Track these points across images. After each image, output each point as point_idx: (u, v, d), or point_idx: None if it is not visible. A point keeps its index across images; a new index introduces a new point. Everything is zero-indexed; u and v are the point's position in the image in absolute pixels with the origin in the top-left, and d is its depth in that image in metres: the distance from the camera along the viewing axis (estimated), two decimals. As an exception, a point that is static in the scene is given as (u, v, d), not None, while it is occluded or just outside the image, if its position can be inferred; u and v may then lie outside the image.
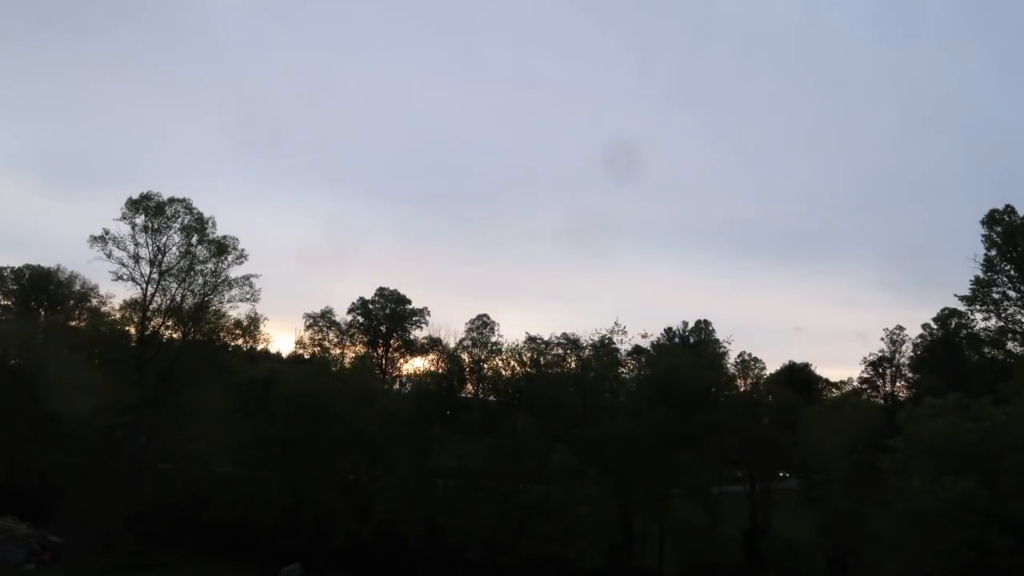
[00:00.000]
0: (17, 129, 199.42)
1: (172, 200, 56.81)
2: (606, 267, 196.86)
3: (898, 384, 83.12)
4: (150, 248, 56.35)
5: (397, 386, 70.99)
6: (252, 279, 58.50)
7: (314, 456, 52.46)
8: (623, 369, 62.89)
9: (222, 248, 57.55)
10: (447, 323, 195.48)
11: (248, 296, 58.57)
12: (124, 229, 55.71)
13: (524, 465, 51.59)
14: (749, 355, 70.50)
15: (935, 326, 74.62)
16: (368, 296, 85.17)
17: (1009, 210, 52.15)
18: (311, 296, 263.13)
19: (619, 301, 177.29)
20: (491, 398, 58.21)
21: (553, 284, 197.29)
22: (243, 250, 58.22)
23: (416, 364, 79.96)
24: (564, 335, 63.18)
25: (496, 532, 49.15)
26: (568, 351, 62.47)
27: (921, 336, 76.87)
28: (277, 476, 53.35)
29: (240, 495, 53.35)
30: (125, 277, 56.24)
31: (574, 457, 50.05)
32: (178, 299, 57.65)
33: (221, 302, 58.40)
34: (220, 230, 57.66)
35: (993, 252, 51.98)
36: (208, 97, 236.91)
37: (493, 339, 63.29)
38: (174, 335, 59.09)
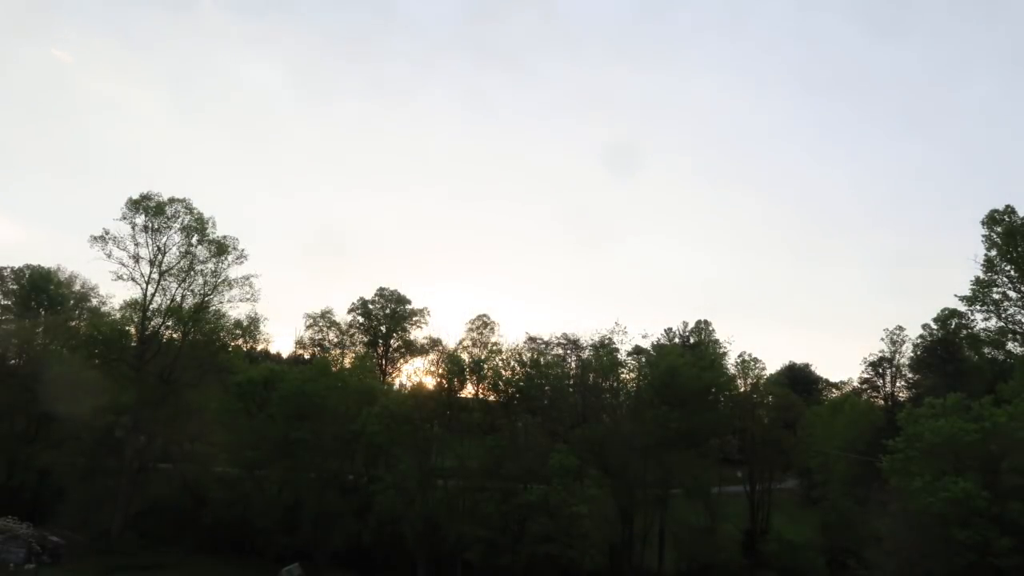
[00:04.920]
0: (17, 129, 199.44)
1: (172, 200, 56.89)
2: (606, 265, 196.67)
3: (898, 384, 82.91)
4: (150, 248, 56.47)
5: (397, 386, 70.97)
6: (252, 279, 58.61)
7: (314, 456, 52.54)
8: (623, 369, 62.88)
9: (222, 248, 57.62)
10: (447, 322, 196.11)
11: (248, 296, 58.67)
12: (124, 229, 55.86)
13: (524, 465, 51.68)
14: (749, 355, 70.48)
15: (935, 326, 74.52)
16: (368, 296, 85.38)
17: (1009, 210, 52.01)
18: (311, 296, 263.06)
19: (619, 301, 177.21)
20: (491, 398, 58.17)
21: (554, 282, 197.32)
22: (243, 250, 58.33)
23: (416, 364, 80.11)
24: (564, 335, 63.19)
25: (496, 532, 49.15)
26: (568, 351, 62.48)
27: (921, 336, 76.77)
28: (277, 476, 53.47)
29: (240, 495, 53.47)
30: (125, 277, 56.35)
31: (574, 457, 50.14)
32: (178, 299, 57.68)
33: (221, 302, 58.53)
34: (220, 230, 57.91)
35: (993, 252, 51.84)
36: (208, 94, 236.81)
37: (493, 339, 63.35)
38: (174, 335, 59.09)
